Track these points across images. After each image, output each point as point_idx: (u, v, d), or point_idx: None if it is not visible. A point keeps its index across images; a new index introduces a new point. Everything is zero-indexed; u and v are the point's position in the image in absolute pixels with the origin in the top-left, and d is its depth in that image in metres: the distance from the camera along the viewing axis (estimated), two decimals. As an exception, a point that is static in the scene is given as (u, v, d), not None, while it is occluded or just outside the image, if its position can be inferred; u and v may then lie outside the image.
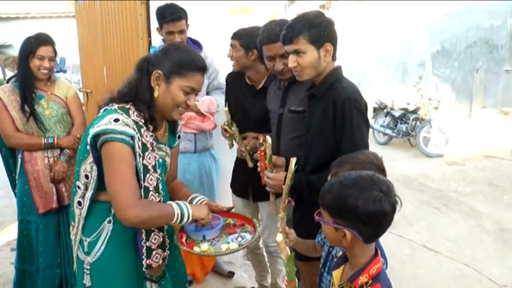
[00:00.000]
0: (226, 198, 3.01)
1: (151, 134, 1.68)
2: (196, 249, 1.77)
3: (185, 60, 1.67)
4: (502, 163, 7.18)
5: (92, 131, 1.57)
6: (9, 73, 14.80)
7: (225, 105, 2.57)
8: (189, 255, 2.80)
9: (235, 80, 2.79)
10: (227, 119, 2.54)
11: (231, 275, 3.43)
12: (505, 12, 8.80)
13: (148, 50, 3.21)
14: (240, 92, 2.73)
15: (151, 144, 1.67)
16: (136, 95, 1.67)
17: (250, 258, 3.17)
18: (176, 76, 1.65)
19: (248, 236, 1.86)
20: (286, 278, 1.54)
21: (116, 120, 1.57)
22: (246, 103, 2.68)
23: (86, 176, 1.66)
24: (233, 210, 2.05)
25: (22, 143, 2.73)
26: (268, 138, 2.08)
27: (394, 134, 8.48)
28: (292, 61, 1.95)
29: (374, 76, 13.31)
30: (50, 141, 2.77)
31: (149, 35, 3.26)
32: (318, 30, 1.88)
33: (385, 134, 8.77)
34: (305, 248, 1.89)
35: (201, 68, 1.71)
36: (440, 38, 10.59)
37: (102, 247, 1.69)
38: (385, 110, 8.83)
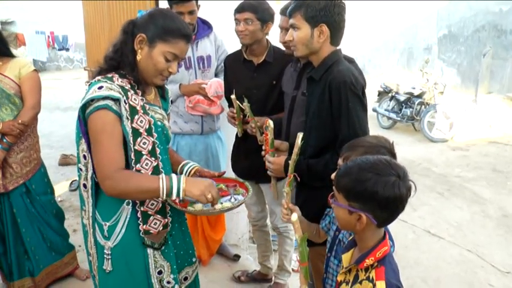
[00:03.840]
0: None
1: (141, 97, 1.66)
2: (190, 208, 1.75)
3: (170, 26, 1.64)
4: (506, 149, 7.17)
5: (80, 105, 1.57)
6: (12, 50, 14.72)
7: (232, 92, 2.53)
8: (194, 238, 2.81)
9: (234, 62, 2.76)
10: (236, 106, 2.52)
11: (236, 258, 3.45)
12: (515, -4, 8.67)
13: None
14: (240, 72, 2.71)
15: (142, 107, 1.65)
16: (122, 57, 1.65)
17: (255, 236, 3.19)
18: (159, 41, 1.62)
19: (241, 198, 1.85)
20: (298, 258, 1.55)
21: (100, 87, 1.56)
22: (247, 81, 2.65)
23: (84, 156, 1.66)
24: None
25: None
26: (270, 123, 2.07)
27: (399, 118, 8.45)
28: (288, 35, 2.01)
29: (379, 60, 13.19)
30: None
31: (157, 15, 3.22)
32: (314, 9, 1.88)
33: (389, 118, 8.73)
34: (308, 230, 1.90)
35: (186, 35, 1.67)
36: (448, 22, 10.46)
37: (123, 230, 1.67)
38: (389, 94, 8.78)
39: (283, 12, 2.45)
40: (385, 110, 8.76)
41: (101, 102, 1.54)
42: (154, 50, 1.63)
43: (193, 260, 1.97)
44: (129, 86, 1.64)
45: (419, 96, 8.37)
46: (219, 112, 3.01)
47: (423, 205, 4.88)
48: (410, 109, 8.30)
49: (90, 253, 1.80)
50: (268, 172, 2.18)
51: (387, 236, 1.41)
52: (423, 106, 8.22)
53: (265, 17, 2.52)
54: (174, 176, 1.60)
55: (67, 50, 17.47)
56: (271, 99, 2.63)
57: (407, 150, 7.04)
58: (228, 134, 3.22)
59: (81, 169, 1.69)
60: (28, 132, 2.77)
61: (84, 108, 1.57)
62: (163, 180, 1.56)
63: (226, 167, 3.20)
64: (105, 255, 1.69)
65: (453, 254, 3.83)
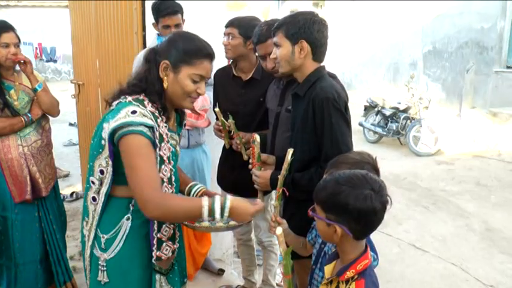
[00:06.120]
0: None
1: (165, 124, 1.68)
2: (197, 224, 1.75)
3: (191, 48, 1.65)
4: (490, 163, 7.28)
5: (109, 125, 1.54)
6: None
7: (216, 106, 2.57)
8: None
9: (223, 77, 2.79)
10: (220, 119, 2.54)
11: (221, 272, 3.43)
12: (496, 14, 8.93)
13: (142, 45, 3.19)
14: (228, 88, 2.74)
15: (166, 134, 1.67)
16: (147, 85, 1.65)
17: (240, 250, 3.18)
18: (183, 65, 1.63)
19: None
20: (282, 271, 1.58)
21: (134, 112, 1.55)
22: (234, 97, 2.68)
23: (101, 171, 1.64)
24: None
25: (4, 125, 2.64)
26: (257, 137, 2.10)
27: (385, 133, 8.53)
28: (272, 53, 2.07)
29: (365, 75, 13.34)
30: (29, 118, 2.73)
31: (143, 30, 3.24)
32: (294, 26, 1.93)
33: (375, 133, 8.81)
34: (295, 242, 1.92)
35: (209, 54, 1.68)
36: (432, 39, 10.67)
37: (121, 244, 1.67)
38: (376, 109, 8.87)
39: (258, 40, 2.42)
40: (371, 124, 8.84)
41: (135, 128, 1.53)
42: (180, 74, 1.64)
43: (185, 280, 1.97)
44: (157, 112, 1.64)
45: (405, 111, 8.47)
46: (206, 125, 3.02)
47: (408, 219, 4.91)
48: (396, 123, 8.40)
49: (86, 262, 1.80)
50: (255, 185, 2.20)
51: (368, 249, 1.44)
52: (409, 121, 8.33)
53: (247, 33, 2.55)
54: (217, 198, 1.60)
55: (55, 61, 17.41)
56: (257, 116, 2.65)
57: (393, 165, 7.10)
58: (212, 147, 3.23)
59: (93, 182, 1.67)
60: (49, 138, 2.93)
61: (114, 129, 1.54)
62: (206, 201, 1.56)
63: (211, 180, 3.21)
64: (99, 267, 1.69)
65: (438, 267, 3.86)
